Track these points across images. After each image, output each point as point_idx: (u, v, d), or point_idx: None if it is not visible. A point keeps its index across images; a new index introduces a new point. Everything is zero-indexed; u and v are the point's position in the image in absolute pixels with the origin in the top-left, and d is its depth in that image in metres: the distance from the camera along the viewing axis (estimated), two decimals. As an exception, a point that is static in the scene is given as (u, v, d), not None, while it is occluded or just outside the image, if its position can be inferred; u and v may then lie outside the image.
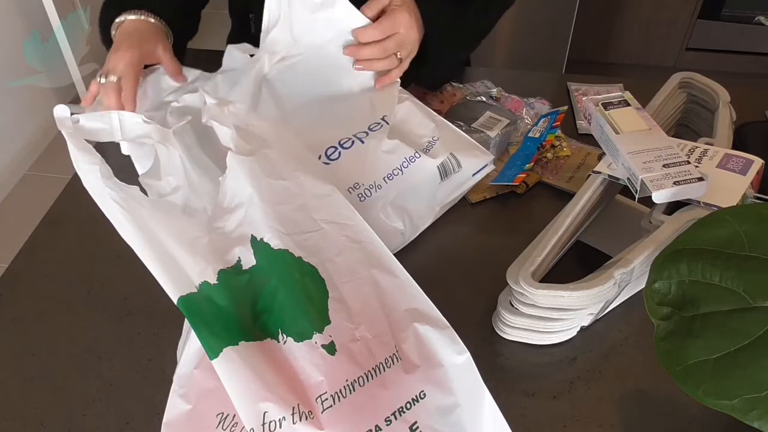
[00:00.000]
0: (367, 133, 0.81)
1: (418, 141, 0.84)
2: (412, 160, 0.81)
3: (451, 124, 0.89)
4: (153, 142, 0.73)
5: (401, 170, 0.80)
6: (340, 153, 0.80)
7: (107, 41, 0.89)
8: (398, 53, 0.85)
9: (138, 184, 0.72)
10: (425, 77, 0.99)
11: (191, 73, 0.86)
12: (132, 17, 0.86)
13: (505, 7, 1.04)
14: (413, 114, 0.87)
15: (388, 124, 0.83)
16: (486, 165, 0.87)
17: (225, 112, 0.74)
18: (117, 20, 0.86)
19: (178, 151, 0.72)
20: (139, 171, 0.82)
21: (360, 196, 0.78)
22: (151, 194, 0.72)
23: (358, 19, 0.84)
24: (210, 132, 0.78)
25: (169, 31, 0.89)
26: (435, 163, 0.82)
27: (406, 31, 0.84)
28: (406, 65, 0.88)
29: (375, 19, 0.84)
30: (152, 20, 0.87)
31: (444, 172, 0.83)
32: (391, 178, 0.80)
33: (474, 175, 0.87)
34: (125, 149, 0.82)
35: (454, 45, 0.97)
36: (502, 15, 1.06)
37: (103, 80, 0.80)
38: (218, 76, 0.87)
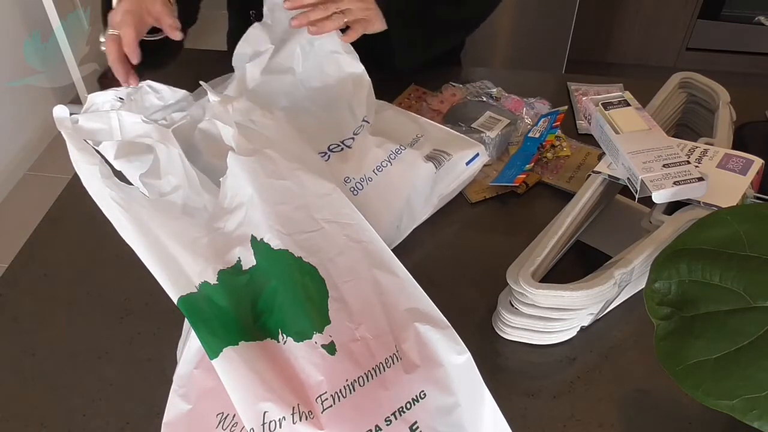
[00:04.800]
0: (353, 138, 0.84)
1: (403, 140, 0.86)
2: (398, 152, 0.83)
3: (435, 123, 0.91)
4: (153, 141, 0.73)
5: (389, 162, 0.82)
6: (329, 156, 0.82)
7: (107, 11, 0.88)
8: (344, 15, 0.88)
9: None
10: (396, 63, 1.02)
11: (177, 94, 0.86)
12: None
13: (488, 5, 1.04)
14: (395, 119, 0.90)
15: (369, 123, 0.85)
16: (478, 155, 0.88)
17: (228, 110, 0.74)
18: None
19: (177, 149, 0.72)
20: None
21: (353, 189, 0.79)
22: (151, 193, 0.72)
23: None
24: (197, 143, 0.79)
25: None
26: (421, 154, 0.83)
27: None
28: (359, 30, 0.90)
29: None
30: None
31: (437, 162, 0.83)
32: (380, 169, 0.81)
33: (468, 164, 0.87)
34: (118, 165, 0.81)
35: (421, 35, 0.99)
36: (490, 12, 1.06)
37: (102, 39, 0.81)
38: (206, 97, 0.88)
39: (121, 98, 0.78)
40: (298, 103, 0.90)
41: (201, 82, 0.81)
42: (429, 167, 0.82)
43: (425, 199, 0.84)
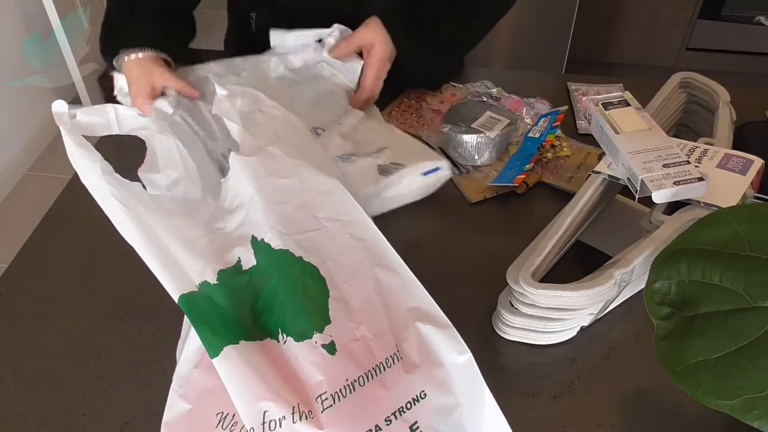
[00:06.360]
0: (324, 130, 0.88)
1: (365, 148, 0.87)
2: (347, 158, 0.85)
3: (410, 136, 0.93)
4: (151, 133, 0.73)
5: (342, 159, 0.85)
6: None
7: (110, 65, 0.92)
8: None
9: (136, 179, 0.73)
10: (417, 84, 1.05)
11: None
12: (132, 56, 0.89)
13: (497, 17, 1.05)
14: (370, 129, 0.93)
15: (341, 124, 0.90)
16: (438, 168, 0.86)
17: (235, 105, 0.74)
18: (120, 58, 0.89)
19: (175, 140, 0.72)
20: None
21: None
22: (151, 188, 0.72)
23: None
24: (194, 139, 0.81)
25: (168, 58, 0.91)
26: (374, 163, 0.84)
27: (383, 68, 0.96)
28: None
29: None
30: (151, 54, 0.89)
31: (387, 174, 0.84)
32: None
33: (426, 174, 0.86)
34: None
35: (431, 59, 1.01)
36: (497, 22, 1.07)
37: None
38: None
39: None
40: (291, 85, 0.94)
41: (210, 77, 0.81)
42: (373, 175, 0.83)
43: (372, 197, 0.84)
